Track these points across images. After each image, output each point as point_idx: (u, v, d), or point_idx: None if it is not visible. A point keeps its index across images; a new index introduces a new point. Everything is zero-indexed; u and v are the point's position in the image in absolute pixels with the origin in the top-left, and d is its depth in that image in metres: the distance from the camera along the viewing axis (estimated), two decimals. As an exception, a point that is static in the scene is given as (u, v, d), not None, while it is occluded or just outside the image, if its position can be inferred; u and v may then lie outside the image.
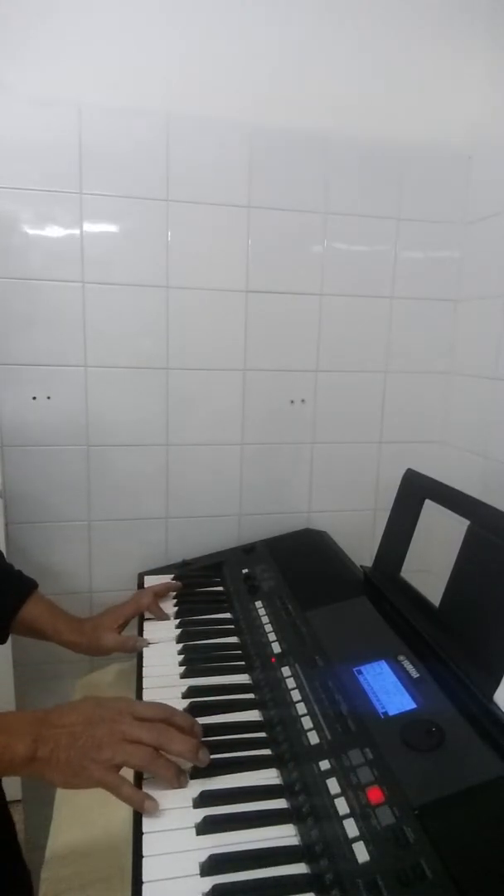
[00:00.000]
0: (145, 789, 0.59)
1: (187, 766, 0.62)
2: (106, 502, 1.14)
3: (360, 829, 0.51)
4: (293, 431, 1.20)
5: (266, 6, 1.04)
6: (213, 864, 0.51)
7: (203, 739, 0.64)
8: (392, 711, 0.63)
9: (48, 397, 1.08)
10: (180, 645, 0.87)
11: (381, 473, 1.25)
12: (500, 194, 1.08)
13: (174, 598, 1.02)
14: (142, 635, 0.90)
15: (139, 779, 0.61)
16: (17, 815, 1.17)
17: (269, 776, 0.62)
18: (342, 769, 0.58)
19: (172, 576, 1.08)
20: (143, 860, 0.52)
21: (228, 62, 1.05)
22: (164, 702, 0.66)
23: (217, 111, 1.05)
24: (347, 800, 0.54)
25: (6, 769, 0.58)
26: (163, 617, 0.95)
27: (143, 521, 1.17)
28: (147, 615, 0.96)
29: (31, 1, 0.97)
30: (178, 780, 0.60)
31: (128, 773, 0.60)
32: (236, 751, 0.64)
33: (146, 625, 0.94)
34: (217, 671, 0.80)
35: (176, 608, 0.98)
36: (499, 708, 0.61)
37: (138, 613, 0.95)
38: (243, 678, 0.79)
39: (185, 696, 0.74)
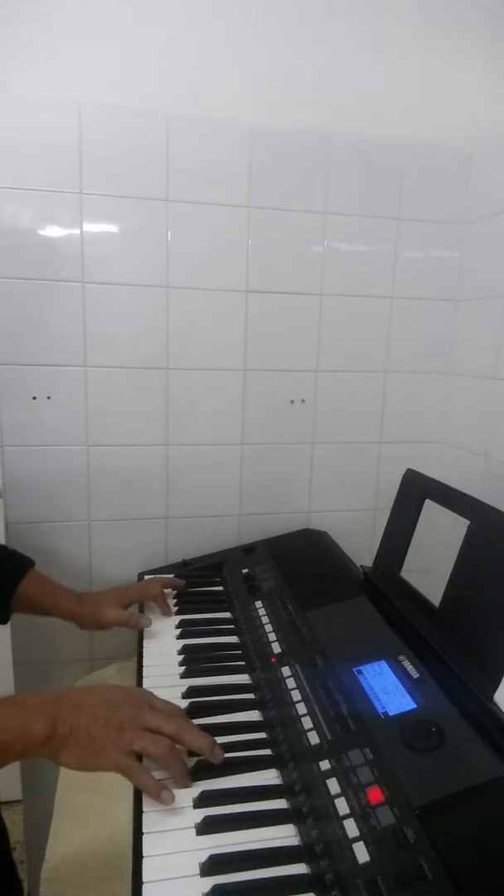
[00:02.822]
0: None
1: (189, 765, 0.62)
2: (106, 502, 1.14)
3: (360, 829, 0.51)
4: (293, 431, 1.20)
5: (266, 6, 1.04)
6: (213, 865, 0.51)
7: (198, 758, 0.63)
8: (392, 711, 0.63)
9: (48, 397, 1.08)
10: (180, 645, 0.87)
11: (381, 473, 1.25)
12: (500, 194, 1.08)
13: (174, 597, 1.02)
14: (141, 633, 0.90)
15: (139, 760, 0.61)
16: (17, 816, 1.17)
17: (269, 776, 0.62)
18: (342, 769, 0.58)
19: (172, 576, 1.08)
20: (143, 860, 0.52)
21: (228, 62, 1.05)
22: (164, 702, 0.66)
23: (217, 111, 1.05)
24: (347, 800, 0.54)
25: (24, 751, 0.57)
26: (167, 612, 0.94)
27: (143, 521, 1.17)
28: (150, 604, 0.95)
29: (32, 1, 0.97)
30: (186, 779, 0.60)
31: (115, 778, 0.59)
32: (236, 751, 0.64)
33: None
34: (217, 671, 0.80)
35: (176, 608, 0.98)
36: (499, 708, 0.61)
37: (143, 599, 0.95)
38: (243, 678, 0.79)
39: (185, 696, 0.74)
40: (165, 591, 1.00)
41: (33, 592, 0.90)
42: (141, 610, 0.95)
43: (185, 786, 0.59)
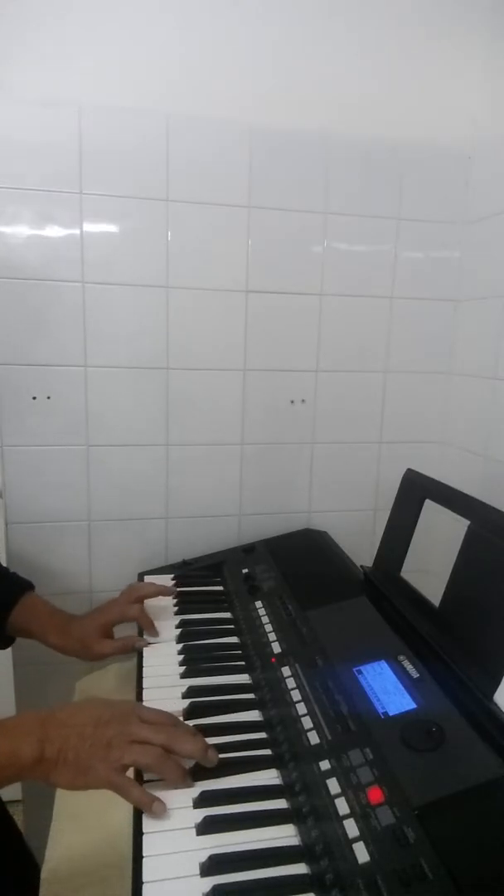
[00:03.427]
0: (152, 784, 0.59)
1: (188, 764, 0.62)
2: (106, 502, 1.14)
3: (360, 829, 0.51)
4: (293, 431, 1.20)
5: (266, 6, 1.04)
6: (214, 865, 0.51)
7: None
8: (392, 711, 0.63)
9: (48, 397, 1.08)
10: (180, 645, 0.87)
11: (381, 473, 1.25)
12: (500, 194, 1.08)
13: (174, 597, 1.01)
14: (140, 659, 0.86)
15: (139, 779, 0.61)
16: (17, 816, 1.17)
17: (269, 776, 0.62)
18: (342, 769, 0.58)
19: (172, 576, 1.08)
20: (143, 860, 0.52)
21: (228, 62, 1.05)
22: (165, 702, 0.66)
23: (217, 111, 1.05)
24: (347, 800, 0.54)
25: (15, 775, 0.57)
26: (152, 632, 0.89)
27: (143, 521, 1.17)
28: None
29: (32, 1, 0.97)
30: (186, 779, 0.60)
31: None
32: (236, 751, 0.64)
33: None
34: (217, 671, 0.80)
35: (176, 608, 0.98)
36: (499, 708, 0.61)
37: (123, 621, 0.91)
38: (243, 678, 0.79)
39: (185, 696, 0.74)
40: (158, 596, 0.96)
41: (24, 621, 0.88)
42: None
43: (187, 786, 0.59)
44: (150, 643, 0.87)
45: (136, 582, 1.05)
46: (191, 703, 0.72)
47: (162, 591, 0.97)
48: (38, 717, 0.60)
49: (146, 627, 0.89)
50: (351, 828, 0.52)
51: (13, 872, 0.80)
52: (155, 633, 0.89)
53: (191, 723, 0.68)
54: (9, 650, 1.07)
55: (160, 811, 0.56)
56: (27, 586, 0.92)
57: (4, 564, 0.99)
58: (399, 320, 1.19)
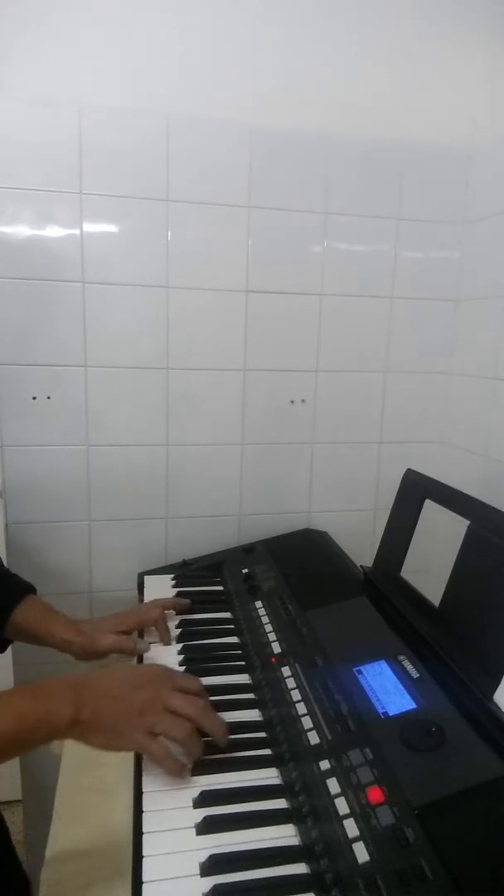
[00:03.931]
0: (152, 784, 0.60)
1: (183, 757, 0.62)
2: (106, 502, 1.14)
3: (360, 829, 0.51)
4: (293, 431, 1.20)
5: (266, 6, 1.04)
6: (213, 864, 0.51)
7: (203, 739, 0.63)
8: (392, 711, 0.63)
9: (48, 397, 1.08)
10: (180, 645, 0.87)
11: (381, 473, 1.25)
12: (500, 194, 1.08)
13: (174, 597, 1.01)
14: (141, 660, 0.85)
15: (139, 766, 0.62)
16: (17, 816, 1.17)
17: (269, 776, 0.62)
18: (342, 769, 0.58)
19: (172, 576, 1.08)
20: (143, 860, 0.52)
21: (228, 62, 1.05)
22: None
23: (217, 111, 1.05)
24: (347, 800, 0.54)
25: (52, 734, 0.59)
26: (166, 639, 0.88)
27: (143, 521, 1.17)
28: (149, 629, 0.91)
29: (32, 1, 0.97)
30: (202, 758, 0.62)
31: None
32: (236, 750, 0.64)
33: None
34: (217, 671, 0.80)
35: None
36: (499, 708, 0.61)
37: (143, 626, 0.90)
38: (243, 678, 0.79)
39: (185, 696, 0.74)
40: (167, 612, 0.94)
41: (26, 620, 0.86)
42: (140, 635, 0.92)
43: (198, 759, 0.62)
44: (150, 649, 0.86)
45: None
46: (191, 703, 0.72)
47: (176, 604, 0.96)
48: (69, 682, 0.62)
49: (161, 633, 0.89)
50: (351, 828, 0.52)
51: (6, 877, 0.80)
52: (168, 640, 0.88)
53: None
54: (9, 650, 1.07)
55: (186, 777, 0.60)
56: (29, 589, 0.92)
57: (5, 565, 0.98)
58: (399, 320, 1.19)
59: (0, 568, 0.92)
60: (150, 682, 0.64)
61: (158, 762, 0.60)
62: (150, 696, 0.62)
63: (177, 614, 0.95)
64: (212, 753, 0.63)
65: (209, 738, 0.63)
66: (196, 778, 0.61)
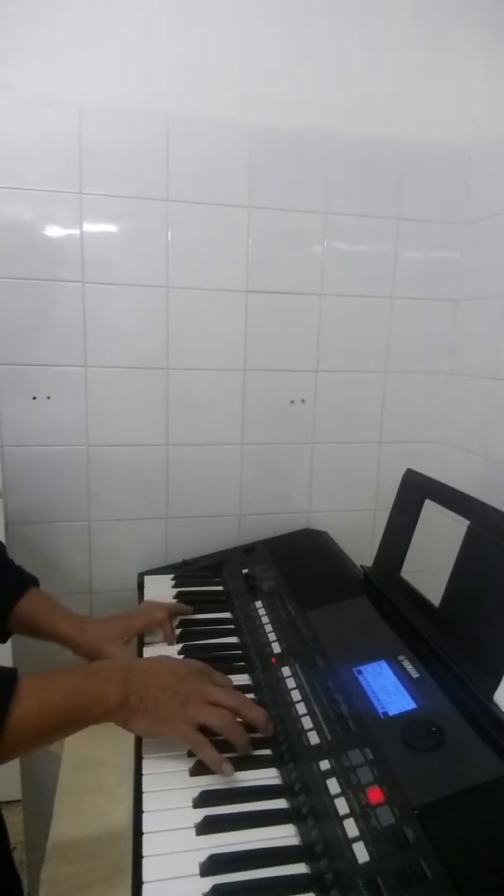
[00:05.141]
0: (152, 784, 0.60)
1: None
2: (106, 502, 1.14)
3: (360, 829, 0.51)
4: (293, 431, 1.20)
5: (266, 6, 1.05)
6: (213, 864, 0.51)
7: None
8: (392, 711, 0.63)
9: (48, 397, 1.08)
10: (180, 645, 0.87)
11: (381, 473, 1.25)
12: (500, 194, 1.08)
13: (174, 597, 1.01)
14: (142, 655, 0.86)
15: (139, 766, 0.62)
16: (17, 816, 1.17)
17: (269, 776, 0.62)
18: (342, 769, 0.58)
19: (172, 576, 1.08)
20: (143, 860, 0.52)
21: (228, 62, 1.05)
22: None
23: (217, 111, 1.05)
24: (347, 800, 0.54)
25: (101, 715, 0.60)
26: (171, 640, 0.88)
27: (143, 521, 1.17)
28: (154, 629, 0.90)
29: (32, 1, 0.97)
30: (248, 748, 0.63)
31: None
32: (236, 750, 0.64)
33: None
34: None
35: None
36: (499, 708, 0.61)
37: (149, 629, 0.90)
38: (243, 678, 0.78)
39: (185, 696, 0.74)
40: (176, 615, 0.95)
41: (30, 613, 0.86)
42: (140, 641, 0.91)
43: (248, 754, 0.63)
44: (153, 646, 0.86)
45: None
46: (191, 703, 0.72)
47: (181, 610, 0.95)
48: (118, 666, 0.64)
49: (167, 635, 0.89)
50: (351, 828, 0.52)
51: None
52: (173, 640, 0.88)
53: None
54: (9, 651, 1.07)
55: (229, 772, 0.60)
56: (33, 581, 0.92)
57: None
58: (399, 320, 1.19)
59: (5, 559, 0.91)
60: (192, 674, 0.66)
61: (198, 750, 0.61)
62: (193, 687, 0.64)
63: (174, 596, 0.97)
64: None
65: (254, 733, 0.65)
66: (196, 778, 0.61)
